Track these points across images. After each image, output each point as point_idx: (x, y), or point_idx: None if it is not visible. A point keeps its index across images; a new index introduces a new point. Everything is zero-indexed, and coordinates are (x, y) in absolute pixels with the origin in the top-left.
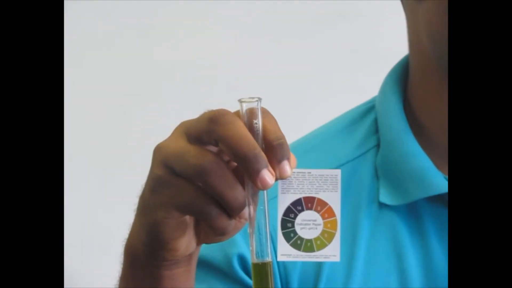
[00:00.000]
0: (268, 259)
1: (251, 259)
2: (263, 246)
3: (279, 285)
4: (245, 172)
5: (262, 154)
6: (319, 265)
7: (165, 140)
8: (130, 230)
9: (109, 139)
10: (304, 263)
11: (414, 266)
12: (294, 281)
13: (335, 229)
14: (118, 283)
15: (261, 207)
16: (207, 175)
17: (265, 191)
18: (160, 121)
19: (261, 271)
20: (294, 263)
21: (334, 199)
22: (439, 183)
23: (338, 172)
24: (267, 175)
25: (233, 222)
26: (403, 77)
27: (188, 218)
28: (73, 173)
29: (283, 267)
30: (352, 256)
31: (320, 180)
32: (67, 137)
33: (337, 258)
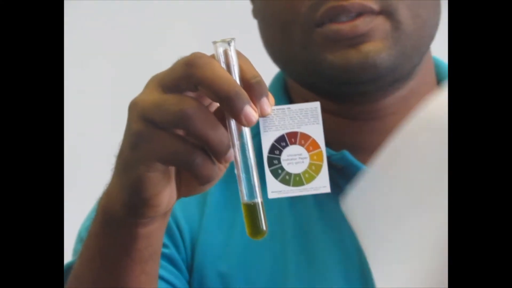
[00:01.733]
0: (258, 199)
1: (241, 200)
2: (252, 187)
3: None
4: (228, 111)
5: (243, 91)
6: None
7: (140, 95)
8: (106, 190)
9: (109, 138)
10: None
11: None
12: None
13: (322, 161)
14: (88, 239)
15: (246, 148)
16: (189, 119)
17: (247, 131)
18: None
19: (252, 211)
20: None
21: (316, 132)
22: None
23: (317, 104)
24: (250, 111)
25: (216, 168)
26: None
27: (171, 171)
28: (73, 173)
29: None
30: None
31: (301, 114)
32: (67, 137)
33: (327, 189)
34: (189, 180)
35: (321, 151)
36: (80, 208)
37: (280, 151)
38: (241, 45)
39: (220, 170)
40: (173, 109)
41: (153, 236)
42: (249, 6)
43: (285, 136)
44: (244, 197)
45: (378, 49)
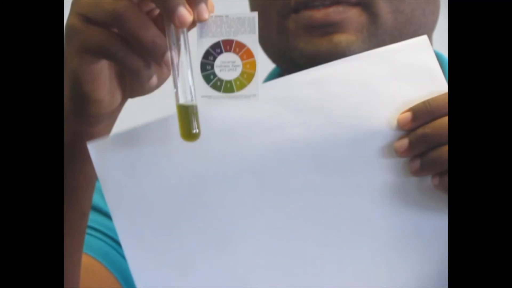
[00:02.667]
0: (194, 102)
1: (175, 101)
2: (187, 89)
3: None
4: (163, 10)
5: None
6: None
7: None
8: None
9: None
10: None
11: None
12: None
13: (254, 70)
14: None
15: (182, 51)
16: (122, 18)
17: (185, 36)
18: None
19: (186, 112)
20: None
21: (252, 41)
22: None
23: (255, 14)
24: (184, 11)
25: (154, 70)
26: None
27: (107, 67)
28: None
29: None
30: None
31: (238, 23)
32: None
33: (256, 98)
34: (134, 80)
35: (254, 60)
36: None
37: (214, 58)
38: None
39: (163, 73)
40: (108, 7)
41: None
42: None
43: (221, 43)
44: (179, 98)
45: (349, 41)
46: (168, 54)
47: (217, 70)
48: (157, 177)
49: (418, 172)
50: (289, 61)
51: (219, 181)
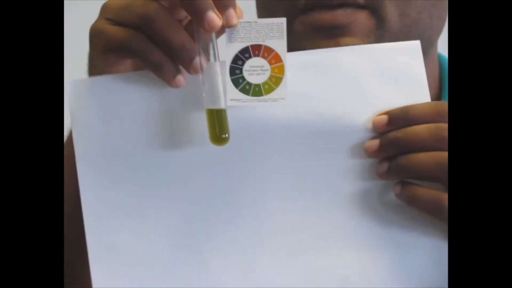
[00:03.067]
0: (221, 106)
1: (205, 105)
2: (215, 93)
3: None
4: (191, 14)
5: None
6: None
7: (109, 0)
8: None
9: None
10: None
11: None
12: None
13: (282, 74)
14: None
15: (212, 56)
16: (151, 21)
17: (214, 42)
18: None
19: (213, 116)
20: None
21: (280, 46)
22: None
23: (283, 20)
24: (213, 15)
25: (178, 68)
26: None
27: (130, 67)
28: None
29: None
30: None
31: (267, 28)
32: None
33: (284, 100)
34: (159, 77)
35: (282, 65)
36: None
37: (243, 62)
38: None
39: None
40: (138, 11)
41: None
42: (251, 7)
43: (249, 48)
44: (208, 102)
45: (356, 44)
46: (197, 59)
47: (246, 74)
48: (128, 126)
49: (384, 175)
50: None
51: (187, 141)
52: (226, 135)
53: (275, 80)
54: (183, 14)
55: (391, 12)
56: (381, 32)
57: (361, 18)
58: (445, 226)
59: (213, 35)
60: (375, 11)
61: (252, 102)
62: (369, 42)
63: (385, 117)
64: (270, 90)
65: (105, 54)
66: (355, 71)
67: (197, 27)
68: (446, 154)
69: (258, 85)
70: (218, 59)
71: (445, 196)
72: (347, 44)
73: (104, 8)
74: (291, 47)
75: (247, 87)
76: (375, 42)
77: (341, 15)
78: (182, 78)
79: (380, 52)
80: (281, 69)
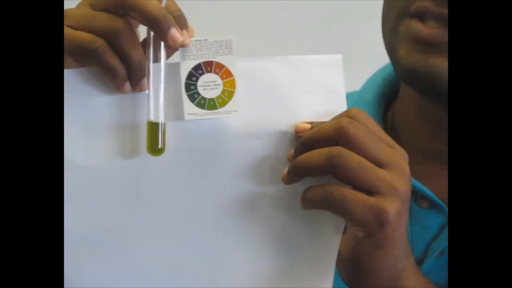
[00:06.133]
0: (161, 119)
1: (147, 117)
2: (158, 108)
3: None
4: (156, 31)
5: (170, 15)
6: None
7: (71, 9)
8: None
9: None
10: None
11: None
12: None
13: (234, 87)
14: None
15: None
16: (117, 35)
17: (163, 61)
18: None
19: (154, 129)
20: None
21: (230, 61)
22: None
23: (231, 37)
24: (176, 32)
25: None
26: (387, 86)
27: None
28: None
29: None
30: None
31: (216, 45)
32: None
33: (237, 112)
34: (110, 82)
35: (233, 79)
36: None
37: (197, 78)
38: (240, 45)
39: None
40: (105, 23)
41: None
42: (250, 8)
43: (202, 64)
44: (150, 116)
45: (445, 66)
46: (145, 80)
47: (200, 89)
48: (72, 130)
49: (285, 179)
50: (392, 61)
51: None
52: (161, 146)
53: (228, 94)
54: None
55: None
56: None
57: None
58: (337, 218)
59: (163, 55)
60: None
61: (208, 115)
62: None
63: (308, 125)
64: (223, 103)
65: (66, 56)
66: (281, 80)
67: (149, 46)
68: (335, 151)
69: (212, 99)
70: (164, 77)
71: (330, 187)
72: (436, 64)
73: (67, 14)
74: (392, 46)
75: (202, 101)
76: None
77: (438, 35)
78: (129, 87)
79: (305, 63)
80: (233, 83)
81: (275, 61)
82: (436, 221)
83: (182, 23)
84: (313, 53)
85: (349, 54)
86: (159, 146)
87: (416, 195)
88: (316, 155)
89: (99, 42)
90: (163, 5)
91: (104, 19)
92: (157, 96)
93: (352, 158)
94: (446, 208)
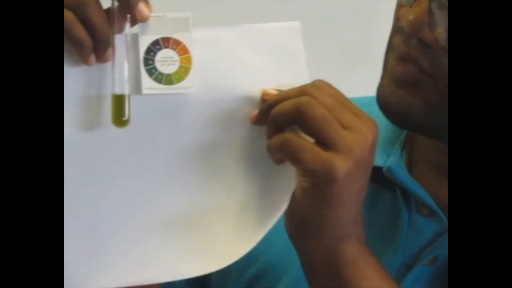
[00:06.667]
0: (126, 92)
1: (112, 90)
2: (123, 80)
3: None
4: (126, 5)
5: None
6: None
7: None
8: None
9: None
10: None
11: None
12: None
13: (190, 64)
14: None
15: (124, 47)
16: (86, 6)
17: (123, 36)
18: None
19: (119, 102)
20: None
21: (187, 38)
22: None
23: (188, 14)
24: (143, 6)
25: (88, 42)
26: None
27: None
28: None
29: None
30: None
31: (174, 22)
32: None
33: (193, 89)
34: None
35: (190, 56)
36: None
37: (155, 53)
38: None
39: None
40: None
41: None
42: (250, 8)
43: (160, 40)
44: (115, 88)
45: (407, 101)
46: (110, 51)
47: (158, 64)
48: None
49: (254, 119)
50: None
51: None
52: (126, 118)
53: (184, 70)
54: None
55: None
56: (435, 100)
57: (422, 84)
58: (293, 165)
59: (128, 27)
60: (437, 83)
61: (164, 90)
62: (422, 101)
63: (275, 91)
64: (180, 79)
65: None
66: (240, 47)
67: (113, 20)
68: (304, 100)
69: (169, 75)
70: (127, 52)
71: (290, 134)
72: (399, 96)
73: None
74: (385, 59)
75: (160, 76)
76: (430, 103)
77: (408, 73)
78: (94, 59)
79: (264, 31)
80: (189, 60)
81: (233, 29)
82: (432, 229)
83: None
84: (313, 53)
85: (349, 54)
86: (124, 118)
87: (418, 202)
88: (286, 102)
89: (67, 14)
90: None
91: None
92: (121, 68)
93: (318, 109)
94: (445, 219)
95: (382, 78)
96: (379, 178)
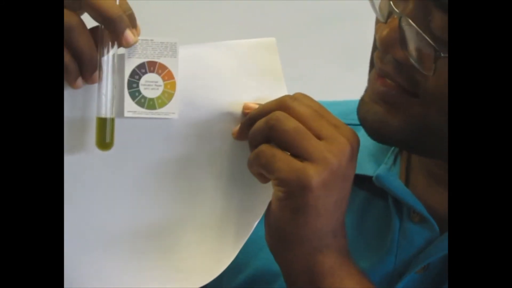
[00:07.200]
0: (109, 116)
1: (97, 113)
2: (108, 104)
3: None
4: (112, 32)
5: (125, 17)
6: None
7: None
8: None
9: None
10: None
11: None
12: None
13: (174, 90)
14: None
15: (110, 71)
16: (72, 31)
17: (115, 58)
18: None
19: (102, 125)
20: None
21: (173, 64)
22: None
23: (176, 40)
24: (130, 34)
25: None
26: None
27: None
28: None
29: None
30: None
31: (162, 47)
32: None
33: (175, 116)
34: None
35: (174, 81)
36: None
37: (140, 77)
38: None
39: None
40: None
41: None
42: (249, 8)
43: (146, 64)
44: (101, 111)
45: (383, 118)
46: (97, 72)
47: (142, 88)
48: None
49: (236, 135)
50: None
51: None
52: (109, 140)
53: (168, 95)
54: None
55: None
56: (407, 116)
57: (398, 99)
58: (267, 175)
59: (115, 52)
60: (415, 96)
61: (146, 115)
62: (396, 116)
63: (256, 105)
64: (163, 104)
65: None
66: (220, 64)
67: (101, 44)
68: (275, 115)
69: (152, 99)
70: (114, 75)
71: (264, 146)
72: (376, 112)
73: None
74: (368, 75)
75: (143, 100)
76: (403, 119)
77: (385, 91)
78: (81, 82)
79: (241, 47)
80: (173, 86)
81: (211, 46)
82: (423, 236)
83: (133, 22)
84: (313, 53)
85: (349, 54)
86: (107, 141)
87: (409, 209)
88: (260, 120)
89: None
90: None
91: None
92: (106, 91)
93: (289, 122)
94: (436, 226)
95: (364, 92)
96: (371, 187)
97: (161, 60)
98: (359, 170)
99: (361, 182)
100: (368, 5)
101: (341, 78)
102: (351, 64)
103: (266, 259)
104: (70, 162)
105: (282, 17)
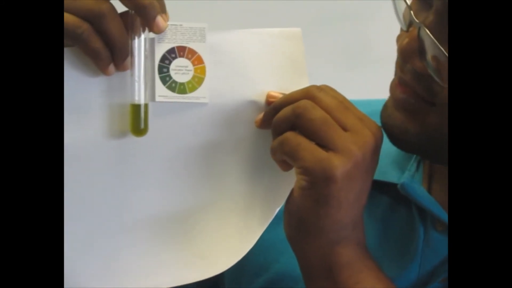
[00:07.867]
0: (143, 102)
1: (130, 99)
2: (142, 90)
3: None
4: (143, 18)
5: (156, 3)
6: None
7: None
8: None
9: None
10: None
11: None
12: None
13: (204, 75)
14: None
15: (142, 57)
16: (104, 17)
17: (147, 44)
18: None
19: (137, 111)
20: None
21: (202, 49)
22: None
23: (205, 25)
24: (161, 20)
25: (106, 55)
26: None
27: None
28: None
29: None
30: None
31: (191, 32)
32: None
33: (206, 100)
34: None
35: (204, 66)
36: None
37: (170, 61)
38: None
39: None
40: (92, 6)
41: None
42: (249, 8)
43: (175, 49)
44: (134, 98)
45: (403, 125)
46: (129, 59)
47: (172, 73)
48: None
49: (259, 123)
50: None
51: None
52: (143, 126)
53: (198, 80)
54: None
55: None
56: (428, 128)
57: (419, 109)
58: (291, 163)
59: (147, 38)
60: (432, 115)
61: (177, 99)
62: (415, 126)
63: (280, 94)
64: (193, 89)
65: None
66: (245, 51)
67: (133, 30)
68: (302, 103)
69: (183, 84)
70: (146, 60)
71: (289, 133)
72: (396, 118)
73: None
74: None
75: (173, 85)
76: (419, 130)
77: (405, 99)
78: (113, 69)
79: (266, 35)
80: (203, 70)
81: (239, 34)
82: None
83: (162, 8)
84: (314, 53)
85: (349, 54)
86: (141, 127)
87: (434, 218)
88: (287, 107)
89: (84, 27)
90: None
91: (91, 2)
92: (139, 77)
93: (316, 112)
94: None
95: (388, 98)
96: (394, 194)
97: (190, 45)
98: (383, 177)
99: (385, 188)
100: (368, 5)
101: (341, 78)
102: (351, 64)
103: (287, 263)
104: (106, 148)
105: (282, 17)
